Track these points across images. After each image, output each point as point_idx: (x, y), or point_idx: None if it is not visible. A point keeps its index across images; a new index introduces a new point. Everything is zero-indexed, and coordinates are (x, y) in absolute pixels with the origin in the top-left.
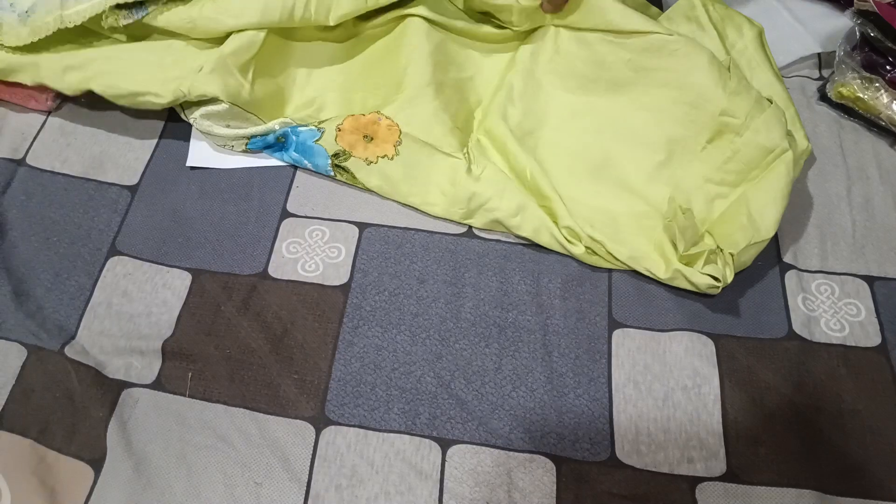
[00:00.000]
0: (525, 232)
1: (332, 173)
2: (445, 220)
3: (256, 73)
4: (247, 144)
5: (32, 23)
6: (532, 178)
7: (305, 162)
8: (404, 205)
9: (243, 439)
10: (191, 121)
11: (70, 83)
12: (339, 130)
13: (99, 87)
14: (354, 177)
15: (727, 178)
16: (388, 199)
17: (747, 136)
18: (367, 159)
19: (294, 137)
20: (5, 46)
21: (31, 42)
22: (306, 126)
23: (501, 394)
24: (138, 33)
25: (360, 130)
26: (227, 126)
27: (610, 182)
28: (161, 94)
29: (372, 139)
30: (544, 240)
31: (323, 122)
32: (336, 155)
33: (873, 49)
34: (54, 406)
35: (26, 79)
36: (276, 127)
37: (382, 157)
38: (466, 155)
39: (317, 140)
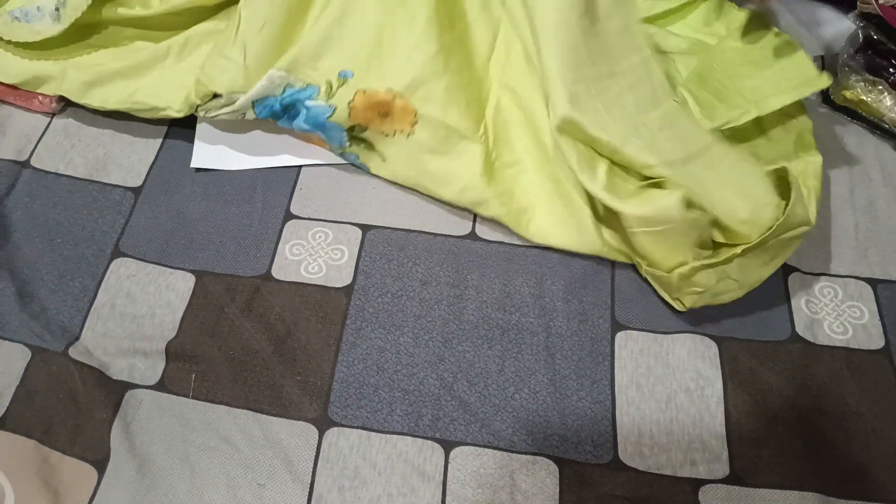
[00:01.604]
0: (531, 232)
1: (349, 144)
2: (448, 220)
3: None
4: (256, 114)
5: (63, 14)
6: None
7: (319, 133)
8: (408, 200)
9: (246, 440)
10: (198, 113)
11: (93, 100)
12: (352, 108)
13: (124, 106)
14: (373, 147)
15: None
16: (398, 184)
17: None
18: (383, 132)
19: (304, 110)
20: (39, 49)
21: (64, 32)
22: (315, 100)
23: (504, 396)
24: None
25: (373, 108)
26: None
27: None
28: (178, 107)
29: (387, 115)
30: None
31: (332, 96)
32: (352, 128)
33: (876, 52)
34: (58, 407)
35: (50, 90)
36: (265, 84)
37: (400, 133)
38: (483, 136)
39: (329, 117)
